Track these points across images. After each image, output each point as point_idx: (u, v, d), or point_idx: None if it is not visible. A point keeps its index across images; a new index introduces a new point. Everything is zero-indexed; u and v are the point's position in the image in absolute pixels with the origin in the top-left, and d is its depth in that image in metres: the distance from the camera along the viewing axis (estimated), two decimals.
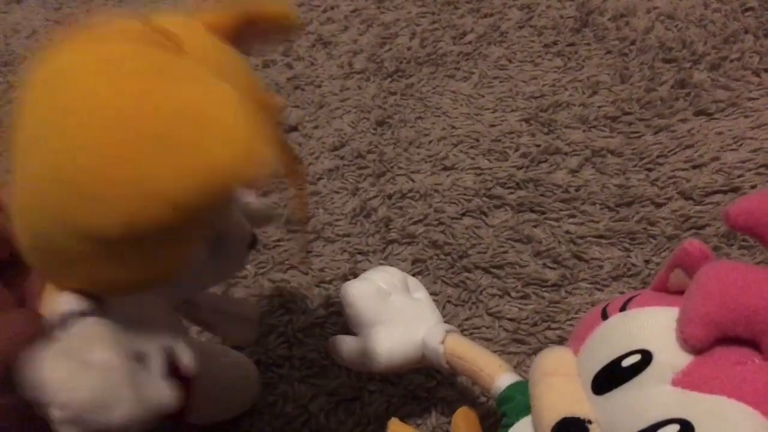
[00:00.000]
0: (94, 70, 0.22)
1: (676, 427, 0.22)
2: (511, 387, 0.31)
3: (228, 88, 0.21)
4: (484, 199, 0.50)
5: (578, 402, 0.25)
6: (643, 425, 0.22)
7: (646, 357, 0.24)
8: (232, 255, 0.30)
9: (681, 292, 0.25)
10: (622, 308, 0.27)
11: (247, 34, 0.28)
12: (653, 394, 0.23)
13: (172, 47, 0.22)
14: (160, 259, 0.24)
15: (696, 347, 0.23)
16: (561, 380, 0.26)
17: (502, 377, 0.32)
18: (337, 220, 0.52)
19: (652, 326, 0.25)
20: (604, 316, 0.27)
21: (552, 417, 0.25)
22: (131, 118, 0.21)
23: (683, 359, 0.23)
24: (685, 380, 0.23)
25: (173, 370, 0.28)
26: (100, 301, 0.26)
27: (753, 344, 0.22)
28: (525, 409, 0.28)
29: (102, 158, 0.21)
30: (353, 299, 0.37)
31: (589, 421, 0.24)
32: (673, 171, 0.49)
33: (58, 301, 0.25)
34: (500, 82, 0.60)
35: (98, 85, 0.21)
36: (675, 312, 0.24)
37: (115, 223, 0.21)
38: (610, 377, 0.24)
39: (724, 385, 0.22)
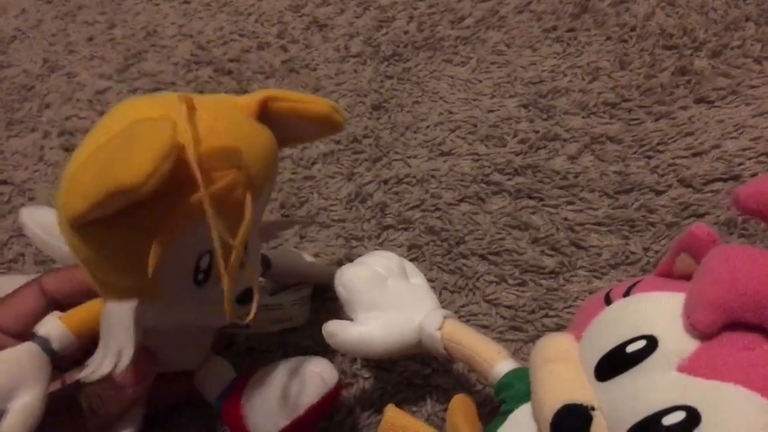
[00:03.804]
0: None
1: (682, 414, 0.21)
2: (510, 374, 0.31)
3: (173, 128, 0.25)
4: (482, 185, 0.50)
5: (581, 388, 0.24)
6: (648, 412, 0.22)
7: (652, 343, 0.23)
8: (215, 297, 0.29)
9: (687, 278, 0.25)
10: (626, 293, 0.26)
11: (288, 123, 0.33)
12: (658, 381, 0.22)
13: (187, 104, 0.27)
14: (134, 255, 0.27)
15: (704, 333, 0.22)
16: (563, 366, 0.26)
17: (500, 364, 0.31)
18: (332, 205, 0.51)
19: (657, 311, 0.24)
20: (608, 301, 0.27)
21: (554, 403, 0.24)
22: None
23: (690, 345, 0.22)
24: (691, 366, 0.22)
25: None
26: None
27: (761, 330, 0.22)
28: (524, 396, 0.28)
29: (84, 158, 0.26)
30: (349, 284, 0.36)
31: (592, 408, 0.24)
32: (673, 158, 0.48)
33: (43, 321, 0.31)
34: (498, 67, 0.59)
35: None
36: (680, 297, 0.24)
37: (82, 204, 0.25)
38: (614, 363, 0.24)
39: (732, 371, 0.21)
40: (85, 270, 0.30)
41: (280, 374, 0.36)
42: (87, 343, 0.34)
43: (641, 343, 0.23)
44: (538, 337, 0.30)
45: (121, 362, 0.28)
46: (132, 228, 0.26)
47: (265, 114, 0.31)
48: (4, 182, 0.58)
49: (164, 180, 0.24)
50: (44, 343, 0.30)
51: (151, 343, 0.34)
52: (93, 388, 0.33)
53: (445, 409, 0.35)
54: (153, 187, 0.24)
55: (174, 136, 0.24)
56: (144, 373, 0.34)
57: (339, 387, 0.36)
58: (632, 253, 0.44)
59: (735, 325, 0.22)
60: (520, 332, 0.42)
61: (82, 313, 0.31)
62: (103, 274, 0.29)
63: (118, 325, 0.29)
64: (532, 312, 0.42)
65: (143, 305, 0.29)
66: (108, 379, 0.32)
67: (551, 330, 0.42)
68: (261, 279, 0.42)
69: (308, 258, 0.44)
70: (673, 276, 0.26)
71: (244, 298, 0.31)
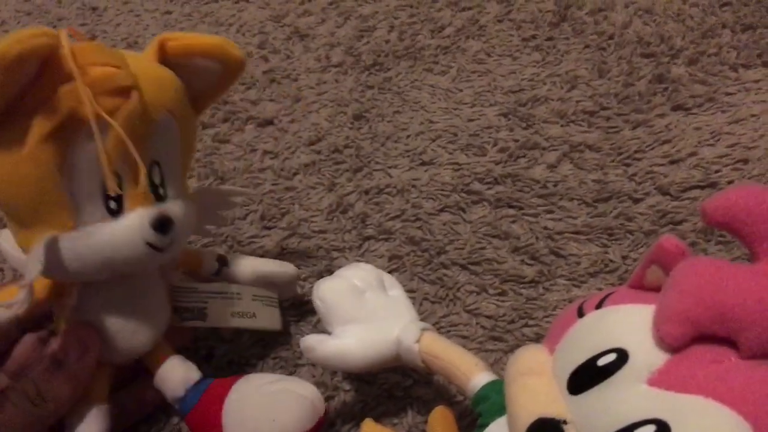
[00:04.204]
0: None
1: (653, 427, 0.21)
2: (487, 386, 0.31)
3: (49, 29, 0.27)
4: (462, 194, 0.50)
5: (553, 402, 0.24)
6: (619, 425, 0.22)
7: (622, 356, 0.23)
8: (131, 228, 0.31)
9: (658, 289, 0.25)
10: (598, 306, 0.26)
11: (189, 66, 0.34)
12: (629, 394, 0.22)
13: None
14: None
15: (672, 346, 0.22)
16: (536, 380, 0.26)
17: (478, 376, 0.31)
18: (313, 216, 0.51)
19: (628, 324, 0.24)
20: (580, 314, 0.27)
21: (527, 417, 0.24)
22: None
23: (660, 358, 0.23)
24: (661, 380, 0.22)
25: None
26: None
27: (730, 342, 0.22)
28: (501, 408, 0.28)
29: None
30: (326, 297, 0.36)
31: (565, 422, 0.24)
32: (651, 166, 0.49)
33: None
34: (479, 76, 0.59)
35: None
36: (651, 309, 0.24)
37: None
38: (586, 377, 0.24)
39: (701, 384, 0.22)
40: (7, 218, 0.31)
41: (267, 397, 0.35)
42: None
43: (612, 356, 0.23)
44: (518, 347, 0.30)
45: (25, 279, 0.29)
46: (20, 123, 0.28)
47: (166, 61, 0.33)
48: None
49: (36, 55, 0.26)
50: None
51: (94, 318, 0.34)
52: (34, 372, 0.33)
53: (426, 421, 0.35)
54: (21, 57, 0.26)
55: (48, 30, 0.27)
56: (85, 345, 0.33)
57: (327, 412, 0.36)
58: (611, 261, 0.44)
59: (704, 337, 0.22)
60: (500, 342, 0.42)
61: (12, 291, 0.32)
62: (14, 201, 0.29)
63: (31, 258, 0.29)
64: (512, 322, 0.42)
65: (58, 237, 0.30)
66: (47, 357, 0.33)
67: (531, 339, 0.42)
68: (215, 277, 0.41)
69: (274, 267, 0.43)
70: (644, 287, 0.26)
71: (161, 226, 0.32)
